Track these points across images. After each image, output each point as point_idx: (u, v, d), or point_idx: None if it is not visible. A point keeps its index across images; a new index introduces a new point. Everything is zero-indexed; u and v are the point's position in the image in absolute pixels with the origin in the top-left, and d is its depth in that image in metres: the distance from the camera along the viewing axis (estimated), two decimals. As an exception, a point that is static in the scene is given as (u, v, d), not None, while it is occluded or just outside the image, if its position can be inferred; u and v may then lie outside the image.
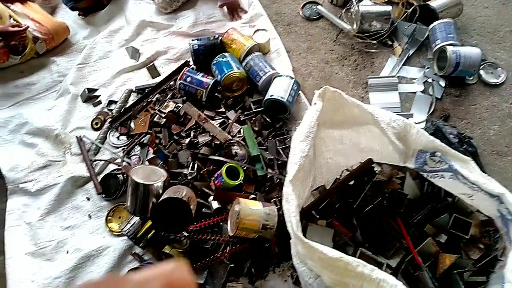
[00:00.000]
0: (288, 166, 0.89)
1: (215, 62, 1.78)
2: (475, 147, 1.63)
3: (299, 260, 1.03)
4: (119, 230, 1.56)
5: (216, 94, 1.77)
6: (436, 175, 0.97)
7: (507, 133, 1.72)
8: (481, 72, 1.83)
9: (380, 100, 1.81)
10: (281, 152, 1.61)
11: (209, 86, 1.67)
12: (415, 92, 1.82)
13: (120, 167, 1.65)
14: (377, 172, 1.13)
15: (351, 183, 1.12)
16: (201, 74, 1.72)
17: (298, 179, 0.85)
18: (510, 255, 0.76)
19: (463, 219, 1.00)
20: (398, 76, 1.86)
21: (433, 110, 1.77)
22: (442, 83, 1.82)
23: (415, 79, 1.86)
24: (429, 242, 1.00)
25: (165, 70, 1.92)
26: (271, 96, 1.66)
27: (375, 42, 1.90)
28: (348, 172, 1.16)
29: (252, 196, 1.49)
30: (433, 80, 1.84)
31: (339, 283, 0.74)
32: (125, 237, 1.52)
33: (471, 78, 1.83)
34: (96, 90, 1.89)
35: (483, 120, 1.75)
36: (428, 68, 1.86)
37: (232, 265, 1.37)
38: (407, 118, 1.76)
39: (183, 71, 1.71)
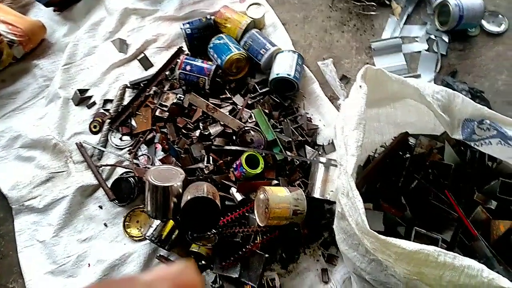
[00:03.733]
0: (342, 157, 0.83)
1: (211, 45, 1.67)
2: (487, 100, 1.61)
3: (347, 246, 1.00)
4: (140, 235, 1.50)
5: (217, 79, 1.67)
6: (483, 143, 0.94)
7: (516, 81, 1.70)
8: (483, 22, 1.79)
9: (386, 64, 1.76)
10: (295, 132, 1.56)
11: (211, 73, 1.57)
12: (419, 51, 1.77)
13: (129, 170, 1.56)
14: (411, 144, 1.09)
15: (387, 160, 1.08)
16: (200, 60, 1.62)
17: (355, 170, 0.80)
18: None
19: (511, 183, 0.98)
20: (400, 37, 1.80)
21: (440, 68, 1.73)
22: (446, 39, 1.77)
23: (417, 37, 1.80)
24: (479, 210, 0.97)
25: (157, 59, 1.80)
26: (278, 74, 1.58)
27: (373, 3, 1.82)
28: (383, 148, 1.11)
29: (275, 182, 1.44)
30: (436, 36, 1.79)
31: (416, 274, 0.70)
32: (147, 241, 1.47)
33: (473, 30, 1.79)
34: (87, 90, 1.77)
35: (490, 71, 1.73)
36: (429, 24, 1.81)
37: (267, 255, 1.34)
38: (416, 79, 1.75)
39: (180, 59, 1.60)
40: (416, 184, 1.01)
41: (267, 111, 1.56)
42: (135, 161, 1.57)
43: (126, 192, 1.54)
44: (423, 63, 1.75)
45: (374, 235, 0.72)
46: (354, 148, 0.79)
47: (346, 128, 0.83)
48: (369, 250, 0.74)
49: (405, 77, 1.71)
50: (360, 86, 0.86)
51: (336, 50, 1.80)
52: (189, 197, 1.27)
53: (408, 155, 1.09)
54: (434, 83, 1.69)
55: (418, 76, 1.72)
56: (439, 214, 0.98)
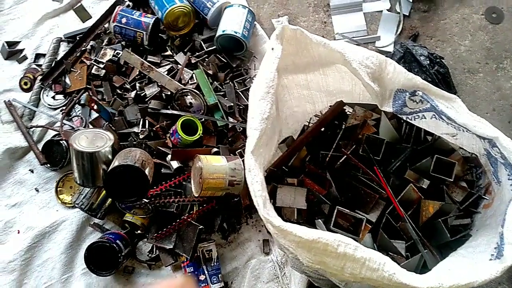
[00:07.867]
0: (248, 131, 0.74)
1: (153, -5, 1.51)
2: (447, 67, 1.53)
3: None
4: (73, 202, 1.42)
5: (160, 34, 1.53)
6: (417, 116, 0.85)
7: (478, 48, 1.62)
8: (450, -20, 1.66)
9: (345, 24, 1.64)
10: (242, 96, 1.45)
11: (150, 27, 1.43)
12: (381, 11, 1.65)
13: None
14: (349, 114, 1.00)
15: (322, 129, 0.99)
16: (138, 13, 1.46)
17: (261, 146, 0.71)
18: (509, 211, 0.68)
19: (445, 160, 0.91)
20: (361, -6, 1.66)
21: (401, 30, 1.63)
22: (409, -2, 1.65)
23: (380, -5, 1.67)
24: (410, 189, 0.91)
25: (96, 10, 1.63)
26: (223, 31, 1.45)
27: (334, -45, 1.66)
28: (318, 118, 1.02)
29: (215, 149, 1.35)
30: (399, -5, 1.66)
31: (318, 263, 0.64)
32: (81, 208, 1.39)
33: (439, -11, 1.67)
34: (18, 43, 1.61)
35: (454, 35, 1.63)
36: (393, -19, 1.68)
37: (201, 227, 1.27)
38: (374, 42, 1.64)
39: (115, 11, 1.45)
40: (344, 160, 0.93)
41: (211, 72, 1.44)
42: (66, 122, 1.45)
43: (59, 156, 1.44)
44: (384, 24, 1.63)
45: (270, 221, 0.65)
46: (258, 122, 0.70)
47: (254, 97, 0.74)
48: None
49: (363, 39, 1.64)
50: (273, 49, 0.75)
51: (292, 7, 1.66)
52: (116, 164, 1.18)
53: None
54: (394, 46, 1.59)
55: (377, 39, 1.62)
56: (367, 193, 0.91)
